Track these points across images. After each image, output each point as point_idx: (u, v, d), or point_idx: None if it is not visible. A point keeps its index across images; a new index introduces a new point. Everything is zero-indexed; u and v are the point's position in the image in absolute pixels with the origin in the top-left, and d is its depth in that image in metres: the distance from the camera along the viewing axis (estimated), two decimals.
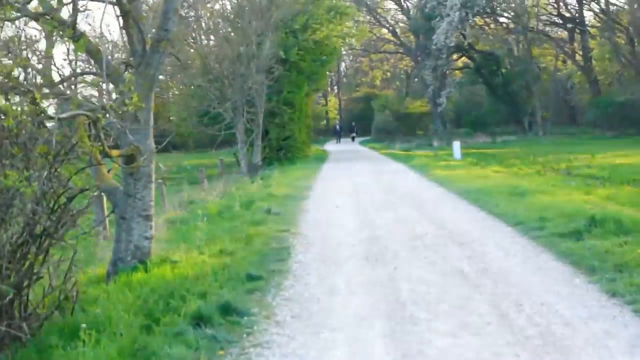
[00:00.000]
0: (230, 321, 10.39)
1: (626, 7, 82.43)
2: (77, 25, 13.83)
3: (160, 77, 50.87)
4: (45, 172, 10.88)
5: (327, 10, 53.20)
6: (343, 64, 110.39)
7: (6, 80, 10.87)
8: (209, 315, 10.28)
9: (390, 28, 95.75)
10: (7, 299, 9.85)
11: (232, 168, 46.42)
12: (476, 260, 14.27)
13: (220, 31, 46.14)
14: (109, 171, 15.10)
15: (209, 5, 47.33)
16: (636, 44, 79.89)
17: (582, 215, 17.28)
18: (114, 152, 14.35)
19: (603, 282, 11.73)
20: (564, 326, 9.49)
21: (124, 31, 14.83)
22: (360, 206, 24.30)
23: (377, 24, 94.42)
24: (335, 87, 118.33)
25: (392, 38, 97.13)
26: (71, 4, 13.78)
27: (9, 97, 10.78)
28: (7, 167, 9.82)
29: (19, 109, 10.35)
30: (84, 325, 9.36)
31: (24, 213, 10.58)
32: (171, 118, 59.35)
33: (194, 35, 47.34)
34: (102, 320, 10.04)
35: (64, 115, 12.24)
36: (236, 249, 16.29)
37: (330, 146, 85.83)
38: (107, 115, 12.21)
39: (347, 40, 70.58)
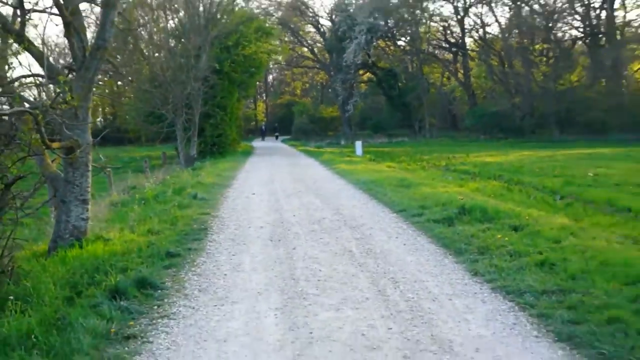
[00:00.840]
0: (144, 294, 9.87)
1: (499, 35, 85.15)
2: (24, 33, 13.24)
3: (119, 83, 51.45)
4: None
5: (255, 30, 53.95)
6: (270, 76, 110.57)
7: None
8: (125, 289, 9.75)
9: (309, 47, 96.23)
10: None
11: (174, 159, 46.62)
12: (363, 242, 13.75)
13: (166, 45, 46.29)
14: (53, 161, 14.59)
15: (161, 24, 47.31)
16: (506, 65, 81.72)
17: (454, 205, 17.06)
18: (55, 144, 13.88)
19: (467, 263, 11.47)
20: (431, 301, 9.14)
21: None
22: (273, 194, 23.62)
23: (299, 43, 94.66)
24: (263, 94, 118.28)
25: (310, 55, 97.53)
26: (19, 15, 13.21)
27: None
28: None
29: None
30: (11, 297, 9.09)
31: None
32: (126, 117, 59.23)
33: (144, 48, 46.70)
34: (31, 293, 9.57)
35: (7, 112, 11.77)
36: (162, 229, 15.69)
37: (257, 143, 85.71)
38: (49, 113, 11.82)
39: (272, 56, 71.76)
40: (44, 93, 14.81)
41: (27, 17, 13.80)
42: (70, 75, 14.55)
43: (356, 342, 7.51)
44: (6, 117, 11.58)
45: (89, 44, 14.27)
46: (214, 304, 9.41)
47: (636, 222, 16.01)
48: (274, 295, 9.75)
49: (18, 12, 13.61)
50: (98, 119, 72.67)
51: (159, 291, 10.11)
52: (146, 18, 45.48)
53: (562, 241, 12.43)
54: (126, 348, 7.59)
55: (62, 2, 13.49)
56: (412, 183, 24.14)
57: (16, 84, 14.60)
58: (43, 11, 13.41)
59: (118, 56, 44.01)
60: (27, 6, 13.68)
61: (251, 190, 25.03)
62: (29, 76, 14.58)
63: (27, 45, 13.79)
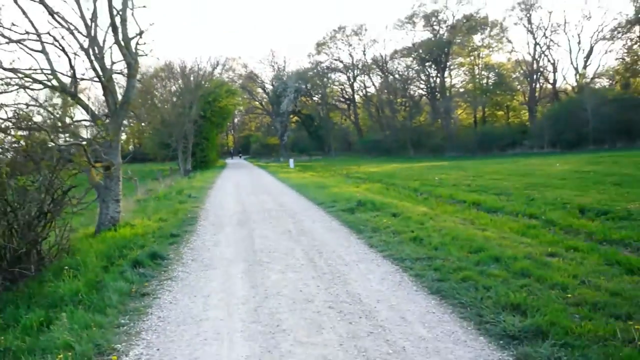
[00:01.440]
0: (155, 263, 9.37)
1: (375, 93, 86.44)
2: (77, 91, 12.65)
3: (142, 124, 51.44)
4: (49, 176, 9.83)
5: (226, 91, 54.21)
6: (235, 119, 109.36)
7: (26, 122, 9.80)
8: (142, 260, 9.27)
9: (260, 101, 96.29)
10: (24, 250, 8.86)
11: (176, 171, 45.40)
12: (297, 225, 13.15)
13: (170, 100, 46.55)
14: (97, 175, 13.90)
15: (166, 88, 48.19)
16: (380, 111, 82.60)
17: (354, 200, 16.52)
18: (97, 164, 13.17)
19: (366, 239, 11.00)
20: (344, 266, 8.68)
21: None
22: (239, 193, 22.88)
23: (253, 99, 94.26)
24: (232, 130, 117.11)
25: (260, 106, 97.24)
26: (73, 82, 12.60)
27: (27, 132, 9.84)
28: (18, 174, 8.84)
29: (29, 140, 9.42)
30: (66, 267, 8.58)
31: (34, 200, 9.45)
32: (147, 145, 59.10)
33: (157, 102, 46.75)
34: (80, 264, 9.00)
35: (66, 144, 11.17)
36: (168, 217, 15.10)
37: (229, 160, 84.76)
38: (92, 144, 11.31)
39: (236, 107, 72.94)
40: (89, 132, 14.13)
41: (78, 83, 13.14)
42: (106, 120, 13.91)
43: (297, 296, 7.10)
44: (65, 147, 11.02)
45: (119, 99, 13.63)
46: (201, 269, 8.89)
47: (470, 210, 15.68)
48: (242, 263, 9.19)
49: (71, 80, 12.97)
50: (130, 147, 73.84)
51: (165, 261, 9.59)
52: (158, 85, 48.20)
53: (424, 223, 12.13)
54: (142, 303, 7.13)
55: (100, 74, 12.91)
56: (326, 185, 23.62)
57: (72, 126, 13.94)
58: (90, 79, 12.75)
59: (142, 108, 45.30)
60: (78, 76, 13.01)
61: (225, 190, 24.40)
62: (80, 121, 13.91)
63: (78, 101, 13.14)
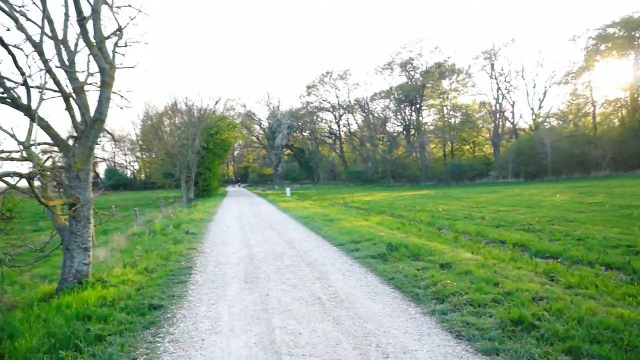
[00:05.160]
0: None
1: (358, 129, 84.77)
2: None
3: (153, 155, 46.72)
4: None
5: (227, 124, 49.52)
6: (235, 151, 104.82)
7: None
8: None
9: (256, 136, 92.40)
10: None
11: (180, 198, 40.12)
12: (325, 284, 8.07)
13: (175, 133, 41.62)
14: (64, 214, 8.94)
15: (172, 121, 44.42)
16: (363, 145, 79.03)
17: (378, 240, 11.68)
18: (56, 202, 8.19)
19: (438, 318, 6.00)
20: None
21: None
22: (242, 227, 17.36)
23: (250, 134, 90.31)
24: (232, 161, 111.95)
25: (257, 141, 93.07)
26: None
27: None
28: None
29: None
30: None
31: None
32: (154, 174, 54.47)
33: (163, 135, 42.20)
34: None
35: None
36: (156, 266, 9.86)
37: (229, 188, 79.98)
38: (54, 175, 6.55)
39: (236, 140, 68.05)
40: (51, 159, 9.01)
41: (43, 97, 8.19)
42: (74, 145, 8.85)
43: None
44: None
45: (91, 117, 8.61)
46: None
47: (518, 253, 10.69)
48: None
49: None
50: (142, 175, 70.68)
51: None
52: (167, 121, 44.77)
53: (500, 284, 7.20)
54: None
55: (59, 82, 7.97)
56: (333, 218, 18.30)
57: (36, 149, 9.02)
58: (43, 88, 7.73)
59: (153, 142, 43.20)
60: (31, 84, 8.04)
61: (226, 223, 18.77)
62: (39, 144, 8.84)
63: (35, 118, 8.17)
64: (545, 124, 65.73)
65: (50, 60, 8.08)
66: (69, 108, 8.23)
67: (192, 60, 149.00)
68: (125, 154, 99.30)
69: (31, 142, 8.12)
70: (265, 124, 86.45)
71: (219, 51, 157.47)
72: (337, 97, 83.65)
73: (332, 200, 33.43)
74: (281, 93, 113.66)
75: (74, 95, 8.44)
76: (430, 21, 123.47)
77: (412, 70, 73.61)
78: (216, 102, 44.02)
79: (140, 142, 55.81)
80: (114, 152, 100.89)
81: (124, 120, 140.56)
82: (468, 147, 76.00)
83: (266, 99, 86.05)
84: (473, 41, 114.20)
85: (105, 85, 8.32)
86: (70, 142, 8.87)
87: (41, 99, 7.82)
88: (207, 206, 29.52)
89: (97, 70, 8.60)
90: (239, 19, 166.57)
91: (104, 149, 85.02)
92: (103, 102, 8.31)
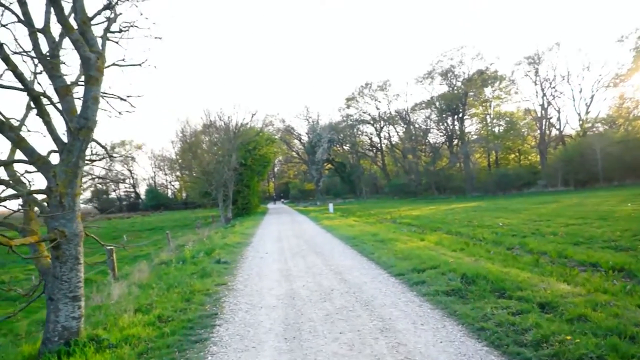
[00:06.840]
0: None
1: (400, 141, 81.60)
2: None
3: (192, 174, 45.00)
4: None
5: (266, 139, 47.30)
6: (276, 167, 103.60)
7: None
8: None
9: (297, 151, 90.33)
10: None
11: (218, 218, 38.10)
12: (391, 338, 5.70)
13: (211, 150, 39.69)
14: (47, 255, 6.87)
15: (207, 139, 42.12)
16: (405, 157, 76.21)
17: (447, 268, 9.16)
18: (33, 238, 6.09)
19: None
20: None
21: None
22: (282, 253, 14.67)
23: (291, 150, 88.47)
24: (273, 178, 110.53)
25: (297, 156, 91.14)
26: None
27: None
28: None
29: None
30: None
31: None
32: (192, 193, 52.55)
33: (199, 152, 40.57)
34: None
35: None
36: (174, 313, 7.59)
37: (270, 205, 78.33)
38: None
39: (276, 155, 66.13)
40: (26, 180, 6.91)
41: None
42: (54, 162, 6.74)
43: None
44: None
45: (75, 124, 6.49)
46: None
47: (621, 282, 8.20)
48: None
49: None
50: (182, 194, 69.68)
51: None
52: (206, 139, 42.30)
53: (635, 338, 4.79)
54: None
55: (24, 79, 5.92)
56: (384, 238, 15.71)
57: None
58: (3, 86, 5.65)
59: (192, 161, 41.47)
60: None
61: (264, 248, 16.33)
62: (13, 162, 6.77)
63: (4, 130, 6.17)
64: (593, 129, 62.14)
65: (22, 51, 6.04)
66: (42, 113, 6.11)
67: (230, 76, 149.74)
68: (166, 174, 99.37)
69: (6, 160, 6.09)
70: (304, 138, 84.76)
71: (256, 66, 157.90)
72: (377, 108, 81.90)
73: (379, 216, 30.71)
74: (320, 107, 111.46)
75: (55, 97, 6.35)
76: (471, 28, 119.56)
77: (453, 79, 70.65)
78: (253, 115, 41.79)
79: (179, 160, 54.41)
80: (154, 172, 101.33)
81: (163, 139, 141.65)
82: (513, 155, 72.63)
83: (305, 113, 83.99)
84: (516, 46, 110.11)
85: (92, 81, 6.19)
86: (55, 158, 6.80)
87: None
88: (245, 227, 27.27)
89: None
90: (277, 34, 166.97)
91: (145, 169, 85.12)
92: (89, 103, 6.19)
